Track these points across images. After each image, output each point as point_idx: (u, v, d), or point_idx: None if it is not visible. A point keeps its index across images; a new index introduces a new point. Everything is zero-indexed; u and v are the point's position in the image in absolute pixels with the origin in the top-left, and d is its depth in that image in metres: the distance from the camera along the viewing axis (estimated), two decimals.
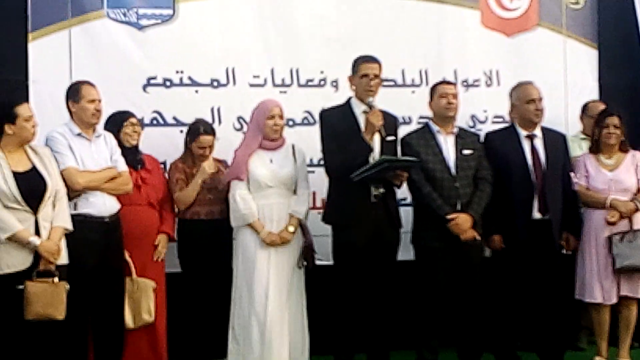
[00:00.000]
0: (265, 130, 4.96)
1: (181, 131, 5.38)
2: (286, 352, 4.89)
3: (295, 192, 5.03)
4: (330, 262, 5.08)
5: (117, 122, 4.97)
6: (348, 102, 5.01)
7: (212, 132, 5.21)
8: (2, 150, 4.24)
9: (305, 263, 5.05)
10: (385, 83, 5.23)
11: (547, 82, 5.66)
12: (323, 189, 5.14)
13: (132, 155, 4.96)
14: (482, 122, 5.91)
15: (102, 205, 4.58)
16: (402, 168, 4.86)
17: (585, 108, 5.81)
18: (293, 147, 5.08)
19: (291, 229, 4.94)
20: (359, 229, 4.82)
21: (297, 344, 4.97)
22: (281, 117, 5.01)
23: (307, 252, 5.06)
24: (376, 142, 4.86)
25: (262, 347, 4.86)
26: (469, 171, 5.00)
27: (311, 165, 5.32)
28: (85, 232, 4.46)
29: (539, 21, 6.06)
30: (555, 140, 5.20)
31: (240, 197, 4.89)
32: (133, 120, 5.03)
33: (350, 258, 4.87)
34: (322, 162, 5.14)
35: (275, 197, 4.96)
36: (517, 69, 5.83)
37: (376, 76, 4.92)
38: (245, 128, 5.40)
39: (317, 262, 5.20)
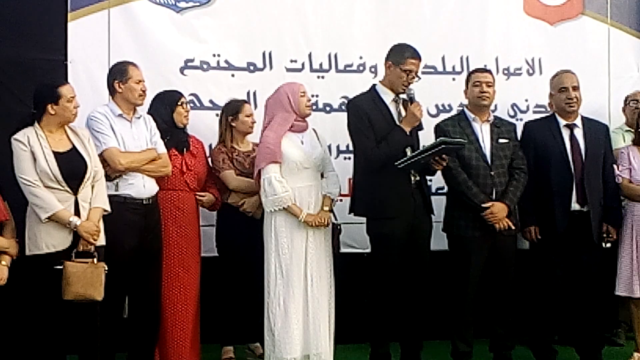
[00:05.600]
0: (300, 108, 4.85)
1: (217, 114, 5.34)
2: (328, 339, 4.83)
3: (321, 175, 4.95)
4: (363, 250, 5.03)
5: (170, 102, 4.94)
6: (374, 89, 4.89)
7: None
8: (43, 130, 4.23)
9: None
10: (425, 70, 5.16)
11: (590, 71, 5.63)
12: None
13: (180, 136, 4.95)
14: (523, 112, 5.83)
15: (142, 187, 4.57)
16: (454, 150, 4.78)
17: (627, 100, 5.71)
18: (314, 130, 5.01)
19: (327, 209, 4.85)
20: (400, 219, 4.74)
21: (325, 331, 4.88)
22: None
23: (336, 237, 4.98)
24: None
25: (303, 335, 4.79)
26: (505, 160, 4.94)
27: (349, 152, 5.26)
28: (125, 214, 4.46)
29: (583, 10, 5.98)
30: (596, 131, 5.09)
31: (277, 180, 4.76)
32: (184, 99, 5.01)
33: (390, 248, 4.77)
34: None
35: (310, 179, 4.86)
36: (560, 58, 5.73)
37: (416, 73, 4.82)
38: None
39: (350, 250, 5.18)
